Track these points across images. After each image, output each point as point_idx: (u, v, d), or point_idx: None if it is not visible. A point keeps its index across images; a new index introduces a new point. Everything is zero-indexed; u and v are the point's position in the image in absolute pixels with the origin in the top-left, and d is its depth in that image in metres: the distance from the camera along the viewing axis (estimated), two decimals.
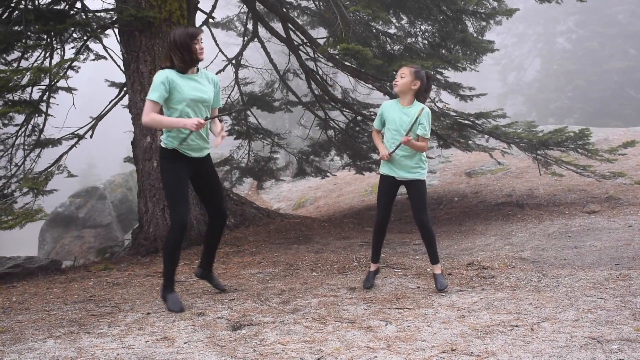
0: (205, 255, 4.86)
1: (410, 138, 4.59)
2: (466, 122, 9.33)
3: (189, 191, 4.79)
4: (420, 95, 4.77)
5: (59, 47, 8.05)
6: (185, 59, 4.34)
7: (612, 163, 9.04)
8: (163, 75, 4.30)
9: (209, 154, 4.62)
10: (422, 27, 9.23)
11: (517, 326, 3.53)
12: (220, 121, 4.63)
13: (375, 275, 4.96)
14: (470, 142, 9.77)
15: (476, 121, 9.26)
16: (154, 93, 4.27)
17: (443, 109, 5.43)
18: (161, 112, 4.40)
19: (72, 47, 8.33)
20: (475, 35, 8.74)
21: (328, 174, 12.57)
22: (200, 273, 4.91)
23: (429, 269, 5.30)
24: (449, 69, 8.50)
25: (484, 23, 8.73)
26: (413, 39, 9.23)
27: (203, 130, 4.44)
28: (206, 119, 4.42)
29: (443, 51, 8.75)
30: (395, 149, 4.65)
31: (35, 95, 8.22)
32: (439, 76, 8.86)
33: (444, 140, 9.89)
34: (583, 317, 3.63)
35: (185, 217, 4.41)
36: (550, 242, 6.60)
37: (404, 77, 4.68)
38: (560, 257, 5.68)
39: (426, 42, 9.15)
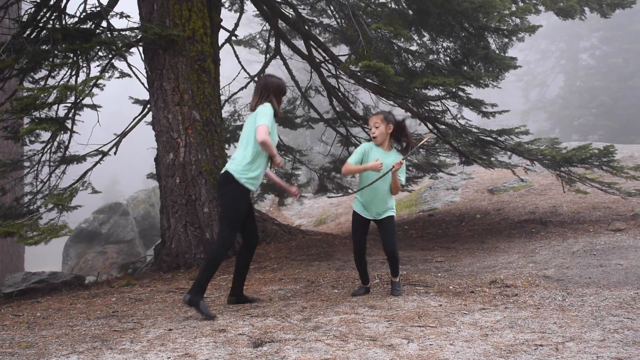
0: (237, 280, 5.11)
1: (403, 163, 4.99)
2: (488, 138, 9.28)
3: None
4: (400, 136, 5.15)
5: (84, 65, 8.19)
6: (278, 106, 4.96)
7: (638, 180, 8.91)
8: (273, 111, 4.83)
9: None
10: (444, 44, 9.23)
11: (541, 345, 3.47)
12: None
13: (365, 290, 5.35)
14: (492, 158, 9.71)
15: (499, 138, 9.21)
16: (271, 123, 4.75)
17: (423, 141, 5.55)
18: None
19: (98, 65, 8.48)
20: (497, 51, 8.71)
21: (349, 191, 12.55)
22: (234, 300, 5.13)
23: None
24: (471, 85, 8.48)
25: (506, 40, 8.70)
26: (435, 56, 9.23)
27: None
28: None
29: (465, 68, 8.74)
30: (387, 172, 4.93)
31: (61, 112, 8.35)
32: (461, 93, 8.83)
33: (466, 157, 9.85)
34: (609, 337, 3.57)
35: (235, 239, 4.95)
36: (575, 260, 6.51)
37: (378, 126, 5.05)
38: (585, 276, 5.60)
39: (448, 59, 9.15)
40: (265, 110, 4.74)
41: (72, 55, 7.89)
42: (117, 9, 8.33)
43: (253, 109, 4.91)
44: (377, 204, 5.09)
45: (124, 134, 9.24)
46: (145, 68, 7.97)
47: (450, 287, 5.38)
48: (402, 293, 5.16)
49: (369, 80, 8.90)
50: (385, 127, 5.04)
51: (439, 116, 9.57)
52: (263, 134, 4.61)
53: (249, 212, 5.01)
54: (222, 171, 4.88)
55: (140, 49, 8.00)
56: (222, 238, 4.80)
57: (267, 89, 4.94)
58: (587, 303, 4.50)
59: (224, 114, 10.60)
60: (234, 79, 11.25)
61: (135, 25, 7.95)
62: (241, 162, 4.80)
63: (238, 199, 4.78)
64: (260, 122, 4.67)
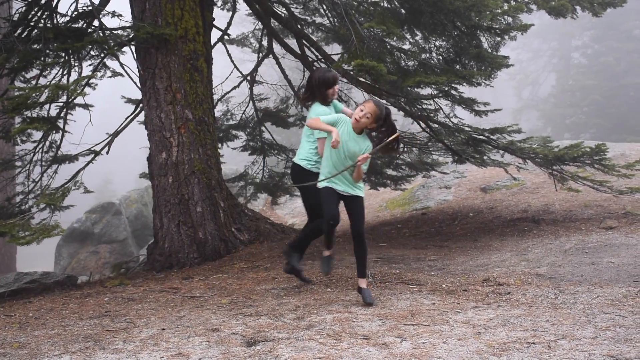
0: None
1: (369, 157, 4.82)
2: (481, 137, 9.29)
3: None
4: (378, 131, 4.96)
5: (76, 64, 8.16)
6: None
7: (630, 178, 8.95)
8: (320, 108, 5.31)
9: None
10: (437, 43, 9.23)
11: (533, 343, 3.49)
12: None
13: (330, 260, 5.35)
14: (485, 157, 9.72)
15: (491, 136, 9.22)
16: (317, 114, 5.18)
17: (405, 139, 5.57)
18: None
19: (90, 65, 8.44)
20: (490, 50, 8.72)
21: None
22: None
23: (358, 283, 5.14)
24: (464, 84, 8.49)
25: (498, 38, 8.71)
26: (427, 55, 9.24)
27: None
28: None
29: (458, 67, 8.74)
30: (353, 165, 4.83)
31: (53, 112, 8.31)
32: (453, 91, 8.84)
33: (459, 156, 9.86)
34: (601, 335, 3.58)
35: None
36: (567, 258, 6.53)
37: (369, 117, 4.79)
38: (577, 274, 5.62)
39: (440, 57, 9.15)
40: (311, 110, 5.32)
41: (63, 54, 7.86)
42: (109, 7, 8.30)
43: (302, 101, 5.53)
44: (342, 179, 4.95)
45: (116, 134, 9.21)
46: (137, 67, 7.95)
47: (443, 286, 5.39)
48: (374, 301, 4.80)
49: (361, 79, 8.89)
50: (370, 124, 4.81)
51: (432, 115, 9.57)
52: (309, 122, 5.07)
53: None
54: (293, 163, 5.46)
55: (133, 48, 7.97)
56: (325, 216, 5.13)
57: (311, 86, 5.35)
58: (579, 301, 4.52)
59: (217, 113, 10.58)
60: (227, 78, 11.22)
61: (128, 24, 7.92)
62: (305, 151, 5.34)
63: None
64: (307, 119, 5.23)
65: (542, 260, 6.52)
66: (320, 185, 5.06)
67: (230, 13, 11.21)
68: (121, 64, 7.96)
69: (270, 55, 11.16)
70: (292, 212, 18.15)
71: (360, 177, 4.98)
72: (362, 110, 4.81)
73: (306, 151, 5.36)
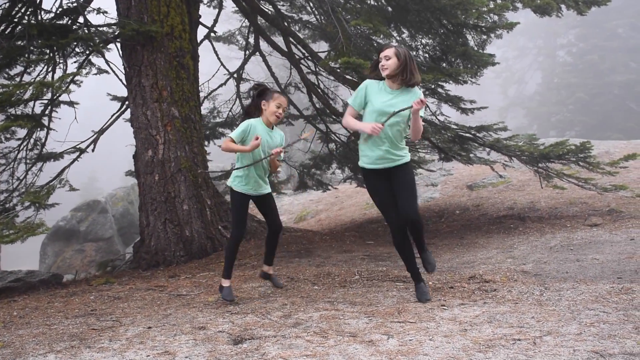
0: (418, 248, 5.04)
1: (282, 150, 4.93)
2: (467, 135, 9.33)
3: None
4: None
5: (61, 61, 8.10)
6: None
7: (614, 176, 9.02)
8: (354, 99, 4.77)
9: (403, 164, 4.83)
10: (423, 41, 9.26)
11: (519, 340, 3.51)
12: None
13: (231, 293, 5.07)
14: (471, 155, 9.76)
15: (477, 134, 9.26)
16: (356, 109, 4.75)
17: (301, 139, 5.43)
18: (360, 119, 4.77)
19: (75, 62, 8.39)
20: (476, 48, 8.76)
21: (329, 187, 12.56)
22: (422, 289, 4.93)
23: (265, 270, 5.46)
24: (450, 82, 8.52)
25: (484, 36, 8.75)
26: (414, 53, 9.26)
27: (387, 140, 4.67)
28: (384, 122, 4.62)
29: (444, 64, 8.77)
30: (266, 157, 4.92)
31: (38, 109, 8.25)
32: (440, 89, 8.87)
33: (445, 153, 9.90)
34: (586, 331, 3.61)
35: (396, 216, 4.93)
36: (552, 255, 6.58)
37: (283, 110, 5.00)
38: (562, 271, 5.66)
39: (427, 55, 9.18)
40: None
41: (48, 51, 7.80)
42: (94, 4, 8.24)
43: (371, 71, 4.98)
44: (257, 177, 5.02)
45: (101, 131, 9.15)
46: (123, 64, 7.90)
47: (430, 283, 5.41)
48: (283, 285, 5.39)
49: (348, 76, 8.89)
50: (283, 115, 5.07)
51: None
52: (223, 147, 4.95)
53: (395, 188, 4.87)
54: None
55: (118, 45, 7.93)
56: (232, 233, 5.05)
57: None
58: (564, 297, 4.55)
59: (203, 111, 10.55)
60: (213, 76, 11.19)
61: (113, 21, 7.88)
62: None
63: (366, 183, 4.94)
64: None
65: (527, 258, 6.55)
66: (235, 187, 5.04)
67: (217, 10, 11.18)
68: (107, 61, 7.91)
69: (257, 53, 11.14)
70: (279, 209, 18.10)
71: (277, 167, 5.11)
72: (278, 107, 4.98)
73: (364, 150, 4.81)
